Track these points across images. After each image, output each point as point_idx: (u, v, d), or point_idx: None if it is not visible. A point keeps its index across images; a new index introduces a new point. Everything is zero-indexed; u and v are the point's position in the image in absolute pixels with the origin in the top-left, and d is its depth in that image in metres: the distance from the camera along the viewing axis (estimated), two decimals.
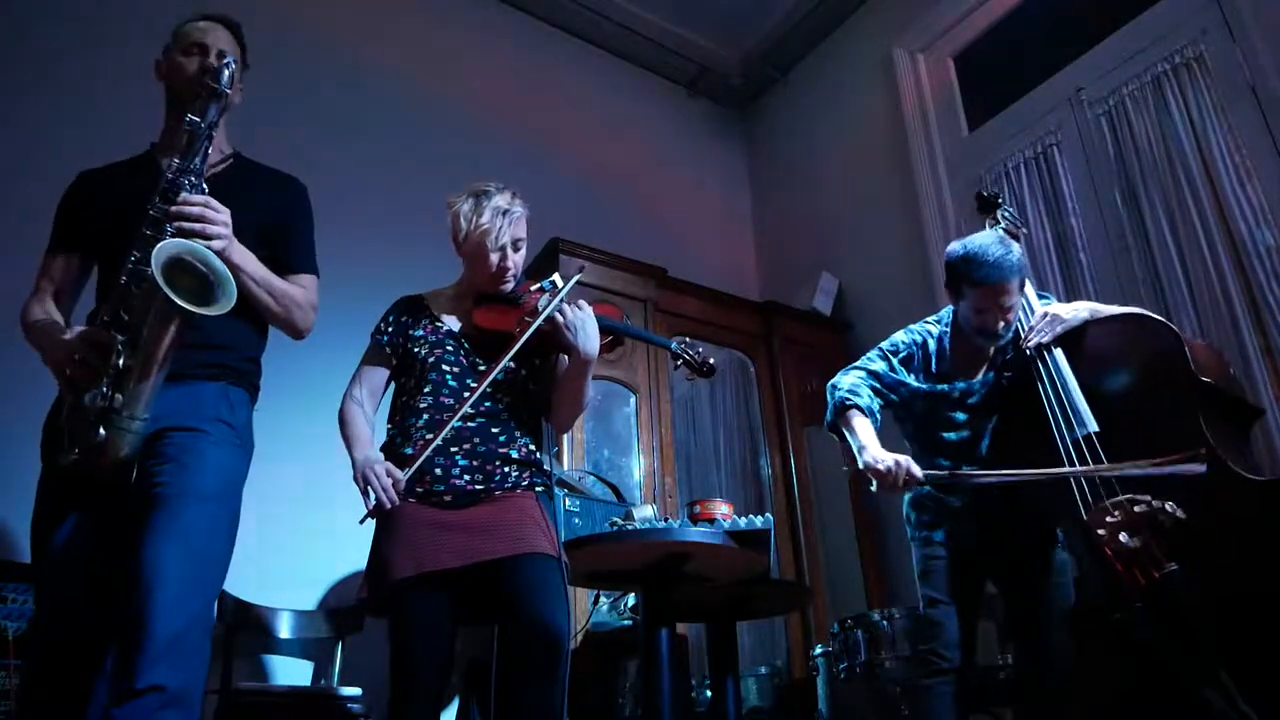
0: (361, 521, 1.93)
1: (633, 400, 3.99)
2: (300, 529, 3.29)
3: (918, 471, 2.20)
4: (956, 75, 4.70)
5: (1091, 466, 2.06)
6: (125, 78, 2.94)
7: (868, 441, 2.28)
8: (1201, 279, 3.29)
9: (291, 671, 3.30)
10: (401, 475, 1.89)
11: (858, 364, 2.49)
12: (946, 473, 2.30)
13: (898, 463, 2.20)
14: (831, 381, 2.47)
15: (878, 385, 2.42)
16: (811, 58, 5.48)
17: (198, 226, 1.66)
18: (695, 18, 5.38)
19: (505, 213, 2.08)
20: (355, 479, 1.93)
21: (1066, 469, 2.09)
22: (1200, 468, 1.91)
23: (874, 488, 2.25)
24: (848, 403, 2.37)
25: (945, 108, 4.64)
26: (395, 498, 1.88)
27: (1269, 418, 3.02)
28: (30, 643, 1.75)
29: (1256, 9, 3.32)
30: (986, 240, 2.33)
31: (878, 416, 2.40)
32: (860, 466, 2.27)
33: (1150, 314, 2.30)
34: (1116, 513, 1.97)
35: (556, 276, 2.18)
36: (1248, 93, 3.30)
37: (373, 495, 1.89)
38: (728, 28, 5.46)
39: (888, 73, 4.84)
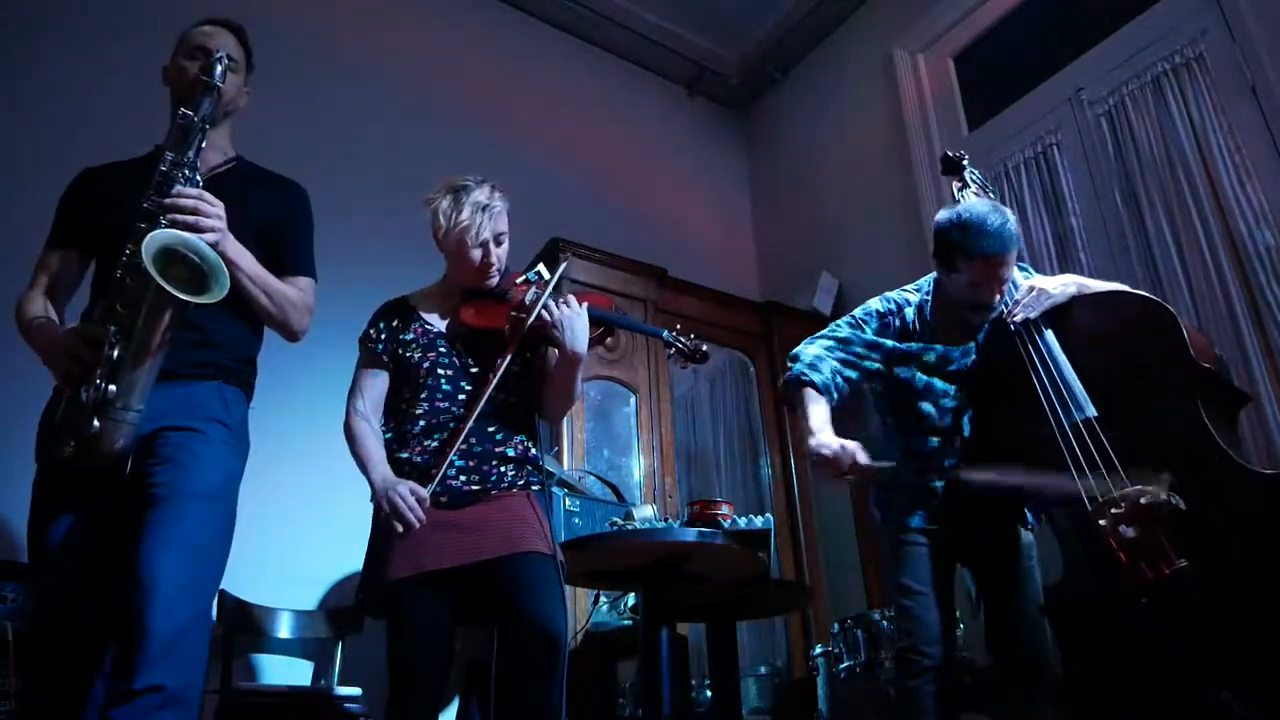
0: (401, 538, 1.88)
1: (633, 400, 3.99)
2: (300, 529, 3.29)
3: (863, 457, 2.07)
4: (956, 75, 4.70)
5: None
6: (131, 77, 2.93)
7: (817, 425, 2.15)
8: (1201, 279, 3.28)
9: (291, 671, 3.30)
10: (425, 493, 1.86)
11: (825, 331, 2.35)
12: (892, 464, 2.17)
13: (844, 447, 2.07)
14: (794, 350, 2.33)
15: (846, 355, 2.28)
16: (811, 58, 5.48)
17: (191, 219, 1.67)
18: (695, 18, 5.39)
19: (485, 208, 2.05)
20: (379, 501, 1.88)
21: (1078, 480, 1.98)
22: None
23: (811, 472, 2.16)
24: (804, 378, 2.22)
25: (945, 108, 4.64)
26: (424, 517, 1.85)
27: (1269, 416, 3.02)
28: (28, 642, 1.75)
29: (1256, 9, 3.32)
30: (982, 208, 2.20)
31: (834, 394, 2.24)
32: (805, 450, 2.17)
33: (1143, 293, 2.22)
34: (1121, 504, 1.91)
35: (541, 267, 2.15)
36: (1248, 93, 3.30)
37: (401, 516, 1.84)
38: (728, 28, 5.46)
39: (888, 73, 4.84)
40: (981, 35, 4.59)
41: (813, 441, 2.13)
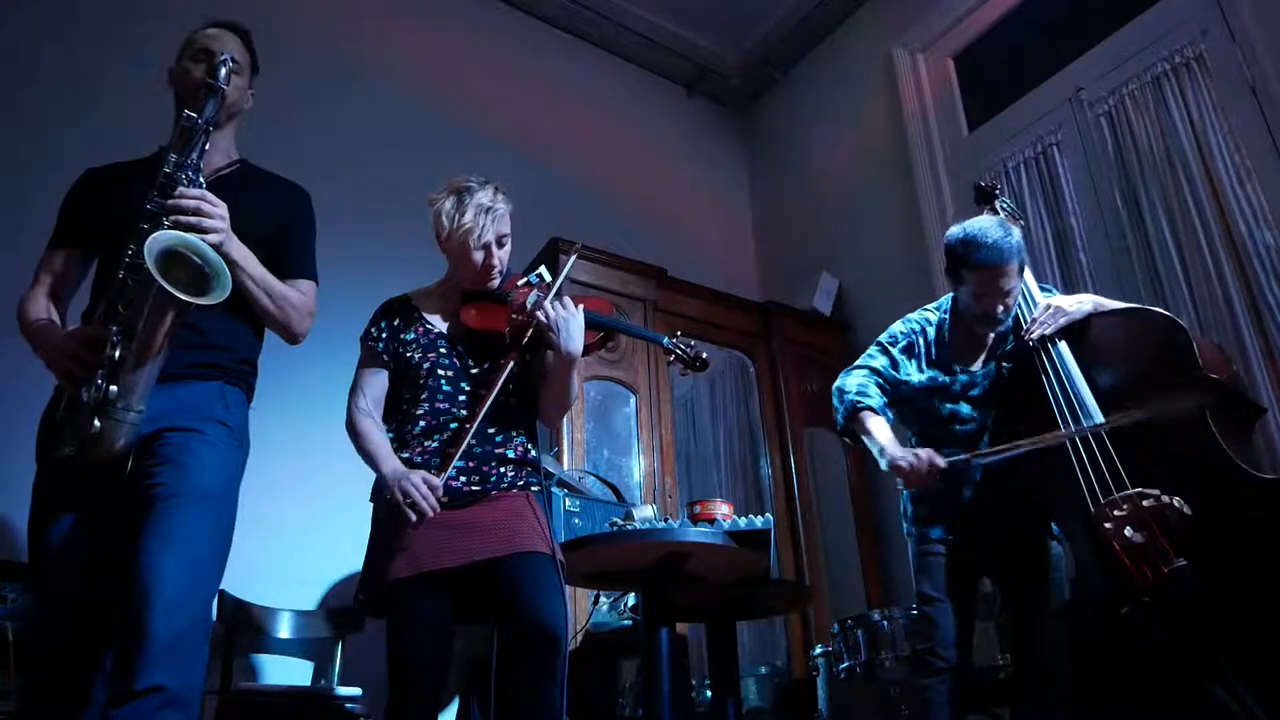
0: (414, 527, 1.88)
1: (633, 400, 3.98)
2: (300, 529, 3.29)
3: (940, 460, 2.20)
4: (956, 75, 4.70)
5: (1100, 421, 2.08)
6: (135, 79, 2.94)
7: (886, 441, 2.28)
8: (1201, 279, 3.29)
9: (291, 671, 3.30)
10: (438, 481, 1.87)
11: (859, 363, 2.47)
12: (967, 455, 2.25)
13: (919, 456, 2.20)
14: (836, 384, 2.46)
15: (882, 382, 2.41)
16: (811, 58, 5.48)
17: (194, 220, 1.67)
18: (695, 18, 5.38)
19: (488, 210, 2.04)
20: (388, 491, 1.88)
21: (1073, 429, 2.10)
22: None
23: (900, 485, 2.25)
24: (859, 405, 2.35)
25: (945, 108, 4.64)
26: (437, 506, 1.85)
27: (1270, 418, 3.02)
28: (29, 643, 1.75)
29: (1256, 9, 3.32)
30: (985, 223, 2.31)
31: (890, 414, 2.38)
32: (884, 469, 2.26)
33: (1157, 309, 2.29)
34: (1125, 506, 1.95)
35: (543, 269, 2.16)
36: (1248, 93, 3.30)
37: (415, 504, 1.84)
38: (728, 28, 5.46)
39: (888, 73, 4.85)
40: (981, 35, 4.59)
41: (887, 458, 2.25)
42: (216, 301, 1.61)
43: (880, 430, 2.31)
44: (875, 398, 2.36)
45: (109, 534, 1.67)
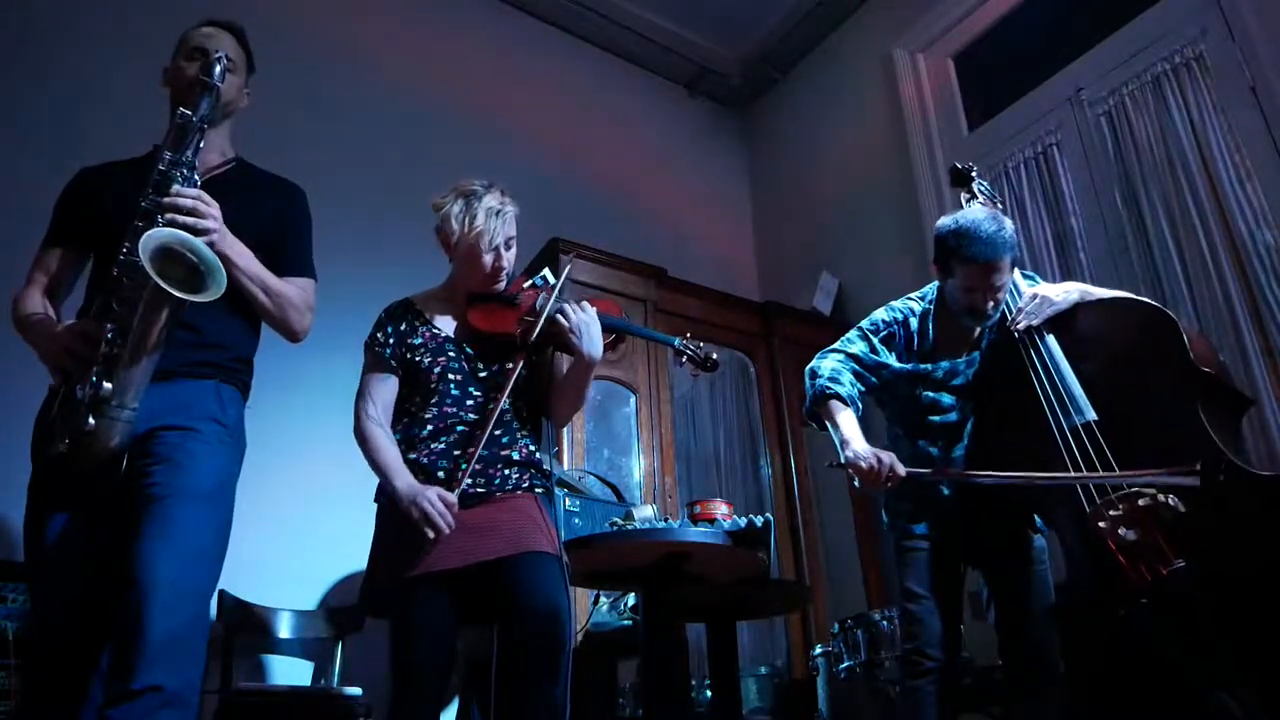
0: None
1: (633, 400, 3.98)
2: (300, 529, 3.30)
3: (901, 469, 2.13)
4: (956, 75, 4.71)
5: (1083, 474, 2.01)
6: (132, 78, 2.94)
7: (850, 435, 2.21)
8: (1201, 279, 3.28)
9: (291, 671, 3.30)
10: (453, 497, 1.86)
11: (836, 346, 2.39)
12: (930, 470, 2.22)
13: (880, 459, 2.13)
14: (810, 365, 2.38)
15: (858, 368, 2.33)
16: (811, 58, 5.48)
17: (190, 220, 1.67)
18: (695, 18, 5.38)
19: (498, 213, 2.05)
20: (404, 509, 1.86)
21: (1058, 475, 2.03)
22: (1193, 480, 1.88)
23: (857, 483, 2.18)
24: (828, 391, 2.27)
25: (945, 108, 4.64)
26: (454, 522, 1.85)
27: (1269, 417, 3.02)
28: (27, 642, 1.75)
29: (1256, 9, 3.32)
30: (978, 215, 2.25)
31: (859, 405, 2.30)
32: (842, 461, 2.20)
33: (1145, 299, 2.25)
34: (1120, 505, 1.92)
35: (547, 271, 2.17)
36: (1248, 93, 3.30)
37: (433, 522, 1.84)
38: (728, 28, 5.46)
39: (888, 73, 4.84)
40: (981, 35, 4.60)
41: (849, 453, 2.18)
42: (211, 299, 1.62)
43: (846, 422, 2.23)
44: (846, 386, 2.28)
45: (104, 532, 1.67)
